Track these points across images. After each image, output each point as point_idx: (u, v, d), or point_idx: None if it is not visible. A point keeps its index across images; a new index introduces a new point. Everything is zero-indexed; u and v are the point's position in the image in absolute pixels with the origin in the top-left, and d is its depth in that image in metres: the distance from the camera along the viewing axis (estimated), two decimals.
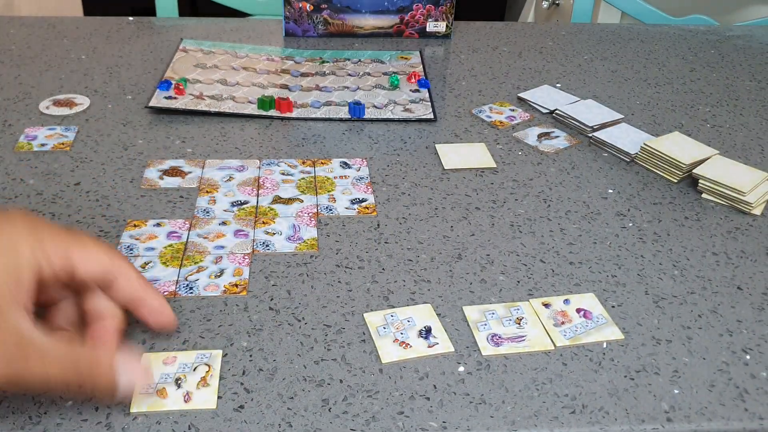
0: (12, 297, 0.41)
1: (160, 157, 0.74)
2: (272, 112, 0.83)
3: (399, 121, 0.83)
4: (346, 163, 0.74)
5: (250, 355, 0.52)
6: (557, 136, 0.81)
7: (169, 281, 0.58)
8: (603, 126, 0.82)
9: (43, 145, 0.75)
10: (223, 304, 0.56)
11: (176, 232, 0.63)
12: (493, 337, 0.54)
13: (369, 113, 0.84)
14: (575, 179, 0.74)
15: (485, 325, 0.55)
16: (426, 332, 0.54)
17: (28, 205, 0.66)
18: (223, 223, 0.65)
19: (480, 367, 0.52)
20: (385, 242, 0.64)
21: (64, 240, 0.45)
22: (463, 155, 0.77)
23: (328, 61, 0.96)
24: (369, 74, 0.93)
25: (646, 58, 1.03)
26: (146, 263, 0.59)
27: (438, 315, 0.56)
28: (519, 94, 0.90)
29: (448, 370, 0.51)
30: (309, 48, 1.00)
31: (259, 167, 0.73)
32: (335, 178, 0.72)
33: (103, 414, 0.47)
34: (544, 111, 0.87)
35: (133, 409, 0.47)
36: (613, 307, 0.58)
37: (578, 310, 0.57)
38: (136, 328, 0.53)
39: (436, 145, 0.78)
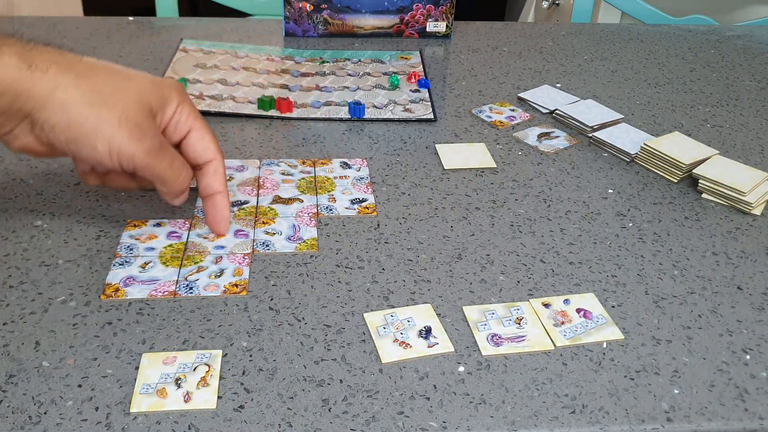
0: (154, 113, 0.55)
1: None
2: (272, 112, 0.83)
3: (399, 121, 0.83)
4: (346, 163, 0.74)
5: (250, 355, 0.52)
6: (557, 136, 0.81)
7: (169, 281, 0.58)
8: (603, 126, 0.82)
9: None
10: (223, 304, 0.56)
11: (176, 232, 0.63)
12: (493, 337, 0.54)
13: (369, 113, 0.84)
14: (575, 179, 0.74)
15: (485, 325, 0.55)
16: (426, 332, 0.54)
17: (28, 205, 0.66)
18: None
19: (480, 367, 0.52)
20: (385, 242, 0.64)
21: (197, 117, 0.58)
22: (463, 155, 0.77)
23: (328, 61, 0.96)
24: (369, 74, 0.93)
25: (646, 58, 1.03)
26: (146, 263, 0.59)
27: (438, 315, 0.56)
28: (519, 94, 0.90)
29: (448, 370, 0.51)
30: (309, 48, 1.01)
31: (259, 167, 0.73)
32: (335, 178, 0.72)
33: (103, 414, 0.47)
34: (544, 111, 0.87)
35: (133, 409, 0.47)
36: (613, 307, 0.58)
37: (578, 310, 0.57)
38: (135, 328, 0.53)
39: (436, 145, 0.78)
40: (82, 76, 0.53)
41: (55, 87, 0.51)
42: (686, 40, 1.10)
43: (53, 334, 0.53)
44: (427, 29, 1.05)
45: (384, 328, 0.54)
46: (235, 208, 0.67)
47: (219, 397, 0.48)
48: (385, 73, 0.94)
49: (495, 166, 0.75)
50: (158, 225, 0.64)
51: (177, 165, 0.57)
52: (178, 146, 0.59)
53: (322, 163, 0.74)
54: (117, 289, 0.57)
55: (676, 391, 0.51)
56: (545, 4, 1.99)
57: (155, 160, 0.55)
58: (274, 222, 0.65)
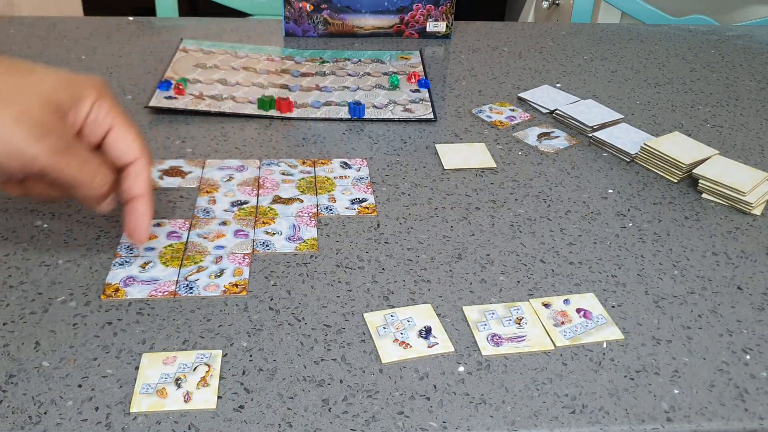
0: (63, 112, 0.50)
1: (160, 157, 0.74)
2: (272, 112, 0.83)
3: (399, 121, 0.83)
4: (346, 163, 0.74)
5: (250, 355, 0.52)
6: (557, 136, 0.81)
7: (169, 281, 0.58)
8: (603, 126, 0.82)
9: None
10: (223, 304, 0.56)
11: (176, 232, 0.63)
12: (493, 337, 0.54)
13: (369, 113, 0.84)
14: (575, 179, 0.74)
15: (485, 325, 0.55)
16: (426, 332, 0.54)
17: (28, 205, 0.66)
18: (223, 223, 0.65)
19: (480, 367, 0.52)
20: (385, 242, 0.64)
21: (118, 114, 0.52)
22: (463, 155, 0.77)
23: (328, 61, 0.96)
24: (369, 74, 0.93)
25: (646, 58, 1.03)
26: (146, 263, 0.59)
27: (438, 315, 0.56)
28: (519, 94, 0.90)
29: (448, 370, 0.51)
30: (309, 48, 1.00)
31: (259, 167, 0.73)
32: (335, 178, 0.72)
33: (103, 414, 0.47)
34: (544, 111, 0.87)
35: (133, 409, 0.47)
36: (613, 307, 0.58)
37: (578, 310, 0.57)
38: (135, 328, 0.53)
39: (436, 145, 0.78)
40: None
41: None
42: (686, 40, 1.10)
43: (53, 334, 0.53)
44: (427, 29, 1.05)
45: (384, 328, 0.54)
46: (235, 208, 0.67)
47: (219, 397, 0.48)
48: (385, 73, 0.94)
49: (495, 166, 0.75)
50: (158, 225, 0.64)
51: (91, 166, 0.50)
52: (99, 149, 0.53)
53: (322, 163, 0.74)
54: (117, 289, 0.57)
55: (676, 391, 0.51)
56: (545, 4, 1.99)
57: (63, 160, 0.49)
58: (274, 222, 0.65)
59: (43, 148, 0.48)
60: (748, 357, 0.54)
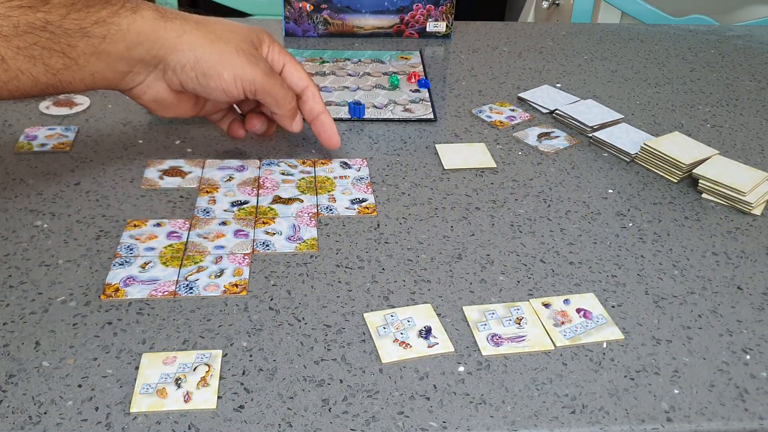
0: (256, 48, 0.66)
1: (160, 157, 0.74)
2: None
3: (399, 121, 0.83)
4: (346, 163, 0.74)
5: (250, 355, 0.52)
6: (557, 136, 0.81)
7: (169, 281, 0.58)
8: (603, 126, 0.82)
9: (43, 145, 0.75)
10: (223, 304, 0.56)
11: (176, 232, 0.63)
12: (493, 337, 0.54)
13: (369, 113, 0.84)
14: (575, 179, 0.74)
15: (485, 325, 0.55)
16: (426, 332, 0.54)
17: (28, 205, 0.66)
18: (223, 223, 0.65)
19: (480, 367, 0.52)
20: (385, 242, 0.64)
21: (287, 54, 0.68)
22: (463, 155, 0.77)
23: (328, 61, 0.96)
24: (369, 74, 0.93)
25: (646, 58, 1.03)
26: (146, 263, 0.59)
27: (438, 315, 0.56)
28: (519, 94, 0.90)
29: (448, 370, 0.51)
30: (309, 48, 1.01)
31: (259, 167, 0.73)
32: (335, 178, 0.72)
33: (103, 414, 0.47)
34: (544, 111, 0.87)
35: (133, 409, 0.47)
36: (613, 307, 0.58)
37: (578, 310, 0.57)
38: (135, 328, 0.53)
39: (436, 145, 0.78)
40: (199, 23, 0.62)
41: (183, 32, 0.61)
42: (686, 40, 1.10)
43: (53, 334, 0.53)
44: (427, 29, 1.05)
45: (384, 328, 0.54)
46: (235, 208, 0.67)
47: (219, 397, 0.48)
48: (385, 73, 0.94)
49: (495, 166, 0.75)
50: (158, 225, 0.64)
51: (285, 85, 0.66)
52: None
53: (322, 163, 0.74)
54: (117, 289, 0.57)
55: (676, 391, 0.51)
56: (545, 4, 1.99)
57: (270, 80, 0.64)
58: (274, 222, 0.65)
59: (258, 71, 0.63)
60: (748, 357, 0.54)
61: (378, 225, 0.66)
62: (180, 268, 0.59)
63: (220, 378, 0.50)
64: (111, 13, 0.57)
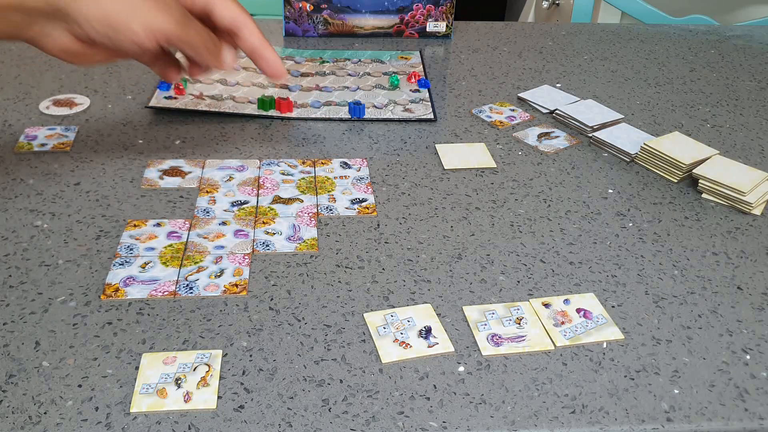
0: None
1: (160, 157, 0.74)
2: (272, 112, 0.83)
3: (399, 121, 0.83)
4: (346, 163, 0.74)
5: (250, 355, 0.52)
6: (557, 136, 0.81)
7: (169, 281, 0.58)
8: (603, 126, 0.82)
9: (43, 145, 0.75)
10: (223, 304, 0.56)
11: (176, 232, 0.63)
12: (493, 337, 0.54)
13: (369, 113, 0.84)
14: (575, 179, 0.74)
15: (485, 325, 0.55)
16: (426, 332, 0.54)
17: (28, 205, 0.66)
18: (223, 223, 0.65)
19: (480, 367, 0.52)
20: (385, 242, 0.64)
21: None
22: (463, 155, 0.77)
23: (328, 61, 0.96)
24: (369, 74, 0.93)
25: (646, 58, 1.03)
26: (146, 263, 0.59)
27: (438, 315, 0.56)
28: (519, 94, 0.90)
29: (448, 370, 0.51)
30: (309, 48, 1.01)
31: (259, 167, 0.73)
32: (335, 178, 0.72)
33: (103, 414, 0.47)
34: (544, 111, 0.87)
35: (133, 409, 0.47)
36: (613, 307, 0.58)
37: (578, 310, 0.57)
38: (135, 328, 0.53)
39: (436, 145, 0.78)
40: None
41: None
42: (686, 40, 1.10)
43: (53, 334, 0.53)
44: (427, 29, 1.05)
45: (384, 328, 0.54)
46: (235, 208, 0.67)
47: (219, 397, 0.48)
48: (385, 73, 0.94)
49: (495, 166, 0.75)
50: (158, 225, 0.64)
51: (202, 32, 0.60)
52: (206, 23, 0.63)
53: (322, 163, 0.74)
54: (117, 289, 0.57)
55: (676, 391, 0.51)
56: (545, 4, 1.99)
57: (185, 30, 0.58)
58: (274, 222, 0.65)
59: (171, 20, 0.57)
60: (748, 357, 0.54)
61: (378, 225, 0.66)
62: (180, 268, 0.59)
63: (220, 378, 0.50)
64: None
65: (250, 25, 0.63)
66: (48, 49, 0.59)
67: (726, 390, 0.51)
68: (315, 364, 0.51)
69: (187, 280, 0.58)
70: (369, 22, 1.03)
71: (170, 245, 0.62)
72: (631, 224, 0.67)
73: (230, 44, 0.64)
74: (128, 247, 0.61)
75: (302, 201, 0.68)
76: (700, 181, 0.72)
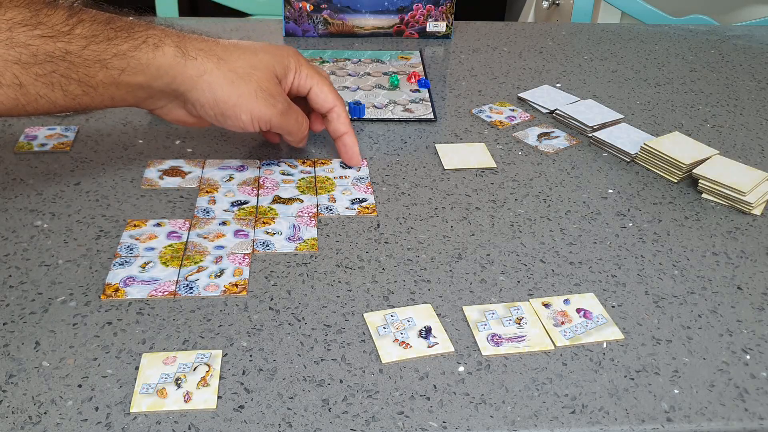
0: (280, 81, 0.67)
1: (160, 157, 0.74)
2: None
3: (399, 121, 0.83)
4: (346, 164, 0.74)
5: (250, 355, 0.52)
6: (557, 136, 0.81)
7: (169, 281, 0.58)
8: (603, 126, 0.82)
9: (43, 145, 0.75)
10: (223, 304, 0.56)
11: (176, 232, 0.63)
12: (493, 337, 0.54)
13: (369, 113, 0.84)
14: (575, 179, 0.74)
15: (485, 325, 0.55)
16: (426, 332, 0.54)
17: (28, 205, 0.66)
18: (223, 223, 0.65)
19: (480, 367, 0.52)
20: (385, 242, 0.64)
21: (314, 75, 0.69)
22: (463, 155, 0.77)
23: (328, 61, 0.96)
24: (369, 74, 0.93)
25: (646, 58, 1.03)
26: (146, 263, 0.59)
27: (438, 315, 0.56)
28: (519, 94, 0.90)
29: (448, 370, 0.51)
30: (309, 48, 1.01)
31: (259, 167, 0.73)
32: (335, 178, 0.72)
33: (103, 414, 0.47)
34: (544, 111, 0.87)
35: (133, 409, 0.47)
36: (613, 307, 0.58)
37: (578, 310, 0.57)
38: (135, 328, 0.53)
39: (436, 145, 0.78)
40: (222, 60, 0.63)
41: (203, 72, 0.61)
42: (686, 40, 1.10)
43: (53, 334, 0.53)
44: (427, 29, 1.05)
45: (384, 328, 0.54)
46: (235, 208, 0.67)
47: (219, 397, 0.48)
48: (385, 73, 0.94)
49: (495, 166, 0.75)
50: (158, 225, 0.64)
51: (300, 119, 0.69)
52: (304, 98, 0.71)
53: (322, 163, 0.74)
54: (117, 289, 0.57)
55: (676, 391, 0.51)
56: (545, 4, 1.99)
57: (285, 120, 0.67)
58: (274, 222, 0.65)
59: (275, 112, 0.65)
60: (748, 357, 0.54)
61: (378, 225, 0.66)
62: (180, 268, 0.59)
63: (220, 378, 0.50)
64: (132, 48, 0.58)
65: (341, 111, 0.71)
66: (164, 118, 0.66)
67: (726, 390, 0.51)
68: (315, 364, 0.51)
69: (187, 280, 0.58)
70: (369, 22, 1.03)
71: (170, 245, 0.62)
72: (631, 224, 0.67)
73: (319, 120, 0.74)
74: (128, 247, 0.61)
75: (302, 201, 0.68)
76: (700, 181, 0.72)
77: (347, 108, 0.72)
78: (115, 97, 0.60)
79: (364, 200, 0.69)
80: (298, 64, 0.68)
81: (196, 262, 0.60)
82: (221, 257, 0.60)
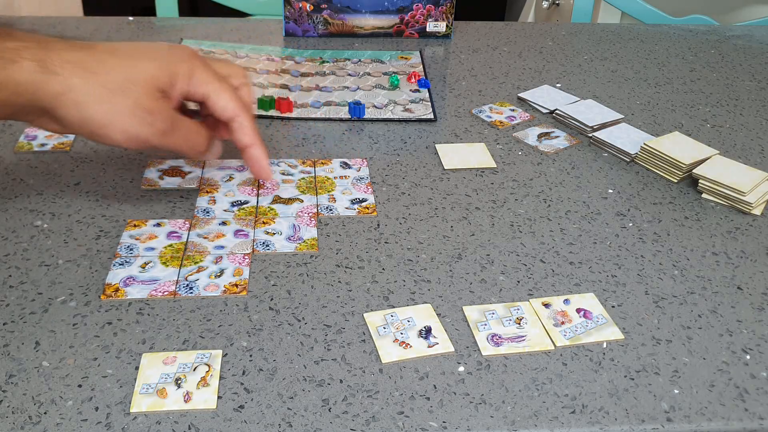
0: (165, 92, 0.58)
1: (160, 157, 0.74)
2: (272, 112, 0.83)
3: (399, 121, 0.83)
4: (346, 163, 0.74)
5: (250, 355, 0.52)
6: (557, 136, 0.81)
7: (169, 281, 0.58)
8: (603, 126, 0.82)
9: (43, 145, 0.75)
10: (223, 304, 0.56)
11: (176, 232, 0.63)
12: (493, 337, 0.54)
13: (369, 113, 0.84)
14: (575, 179, 0.74)
15: (485, 325, 0.55)
16: (426, 332, 0.54)
17: (28, 205, 0.66)
18: (223, 223, 0.65)
19: (480, 367, 0.52)
20: (385, 242, 0.64)
21: (209, 82, 0.60)
22: (463, 155, 0.77)
23: (328, 61, 0.96)
24: (369, 74, 0.93)
25: (646, 58, 1.03)
26: (146, 263, 0.59)
27: (438, 315, 0.56)
28: (519, 94, 0.90)
29: (448, 370, 0.51)
30: (309, 48, 1.01)
31: None
32: (335, 178, 0.72)
33: (103, 414, 0.47)
34: (544, 111, 0.87)
35: (133, 409, 0.47)
36: (613, 307, 0.58)
37: (578, 310, 0.57)
38: (135, 328, 0.53)
39: (436, 145, 0.78)
40: (92, 72, 0.55)
41: (68, 89, 0.54)
42: (686, 40, 1.10)
43: (53, 334, 0.53)
44: (427, 29, 1.05)
45: (384, 328, 0.54)
46: (235, 208, 0.67)
47: (219, 397, 0.48)
48: (385, 73, 0.94)
49: (495, 166, 0.75)
50: (158, 225, 0.64)
51: (191, 137, 0.61)
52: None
53: (322, 163, 0.74)
54: (117, 289, 0.57)
55: (676, 391, 0.51)
56: (545, 4, 1.99)
57: (168, 139, 0.59)
58: (274, 222, 0.65)
59: (154, 131, 0.57)
60: (748, 357, 0.54)
61: (378, 225, 0.66)
62: (180, 268, 0.59)
63: (220, 378, 0.50)
64: None
65: (244, 120, 0.62)
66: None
67: (726, 390, 0.51)
68: (315, 364, 0.51)
69: (187, 280, 0.58)
70: (369, 22, 1.03)
71: (170, 245, 0.62)
72: (631, 224, 0.67)
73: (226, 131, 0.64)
74: (128, 247, 0.61)
75: (302, 201, 0.68)
76: (700, 181, 0.72)
77: (254, 117, 0.64)
78: None
79: (364, 200, 0.69)
80: (190, 69, 0.60)
81: (196, 262, 0.60)
82: (221, 257, 0.60)
